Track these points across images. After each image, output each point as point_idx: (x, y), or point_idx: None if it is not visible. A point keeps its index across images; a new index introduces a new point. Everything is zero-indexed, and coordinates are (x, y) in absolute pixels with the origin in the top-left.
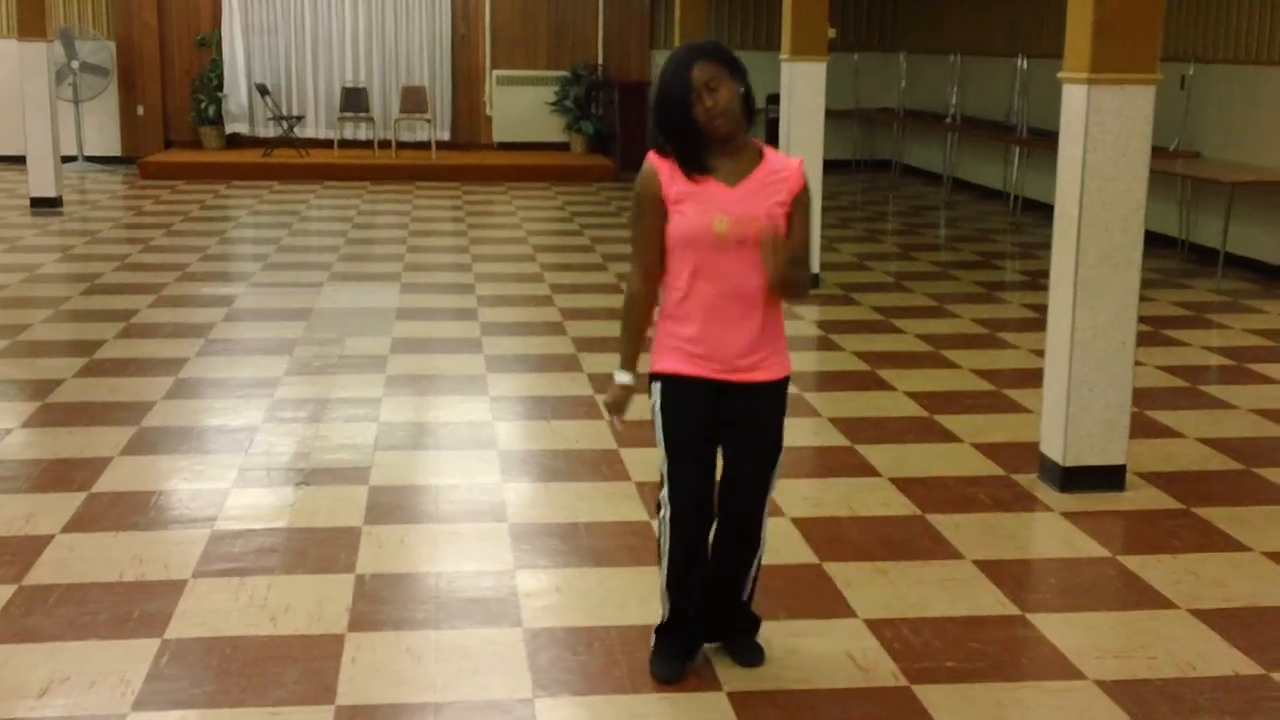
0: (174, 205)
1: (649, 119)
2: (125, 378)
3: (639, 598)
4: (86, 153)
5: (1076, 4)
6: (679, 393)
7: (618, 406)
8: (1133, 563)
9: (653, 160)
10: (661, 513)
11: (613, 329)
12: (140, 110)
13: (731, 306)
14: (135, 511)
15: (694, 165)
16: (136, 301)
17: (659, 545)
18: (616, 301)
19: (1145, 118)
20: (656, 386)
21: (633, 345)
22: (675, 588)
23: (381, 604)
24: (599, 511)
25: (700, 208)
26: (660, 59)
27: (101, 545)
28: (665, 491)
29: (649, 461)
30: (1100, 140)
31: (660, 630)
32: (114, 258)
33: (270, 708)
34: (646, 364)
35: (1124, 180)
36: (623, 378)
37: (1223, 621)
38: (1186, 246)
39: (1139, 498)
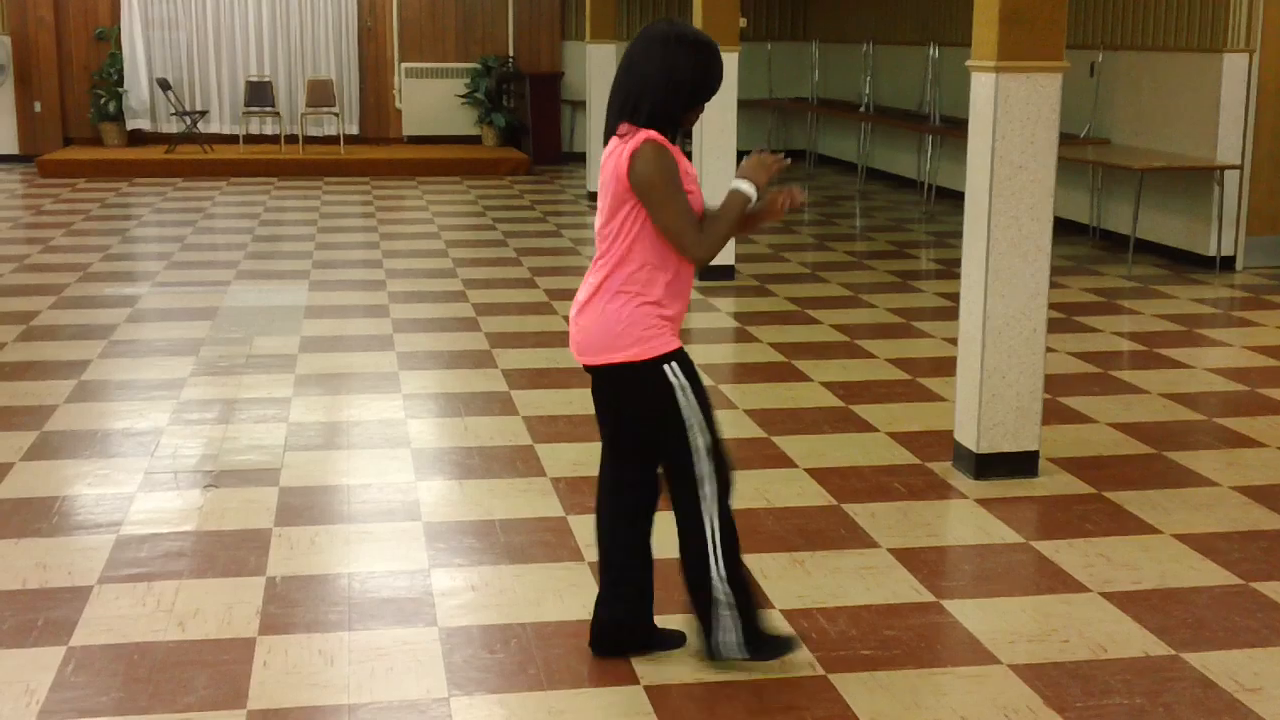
0: (74, 204)
1: (662, 101)
2: (26, 381)
3: (555, 594)
4: None
5: None
6: (692, 365)
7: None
8: (1046, 547)
9: (659, 139)
10: (707, 491)
11: (525, 323)
12: (38, 107)
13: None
14: (38, 518)
15: (676, 138)
16: (37, 303)
17: (708, 528)
18: (530, 296)
19: (1052, 105)
20: (672, 367)
21: (723, 209)
22: (737, 552)
23: (293, 606)
24: (514, 508)
25: (694, 180)
26: (572, 50)
27: (3, 553)
28: (709, 468)
29: (564, 457)
30: (1008, 129)
31: (747, 609)
32: (12, 259)
33: (180, 714)
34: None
35: (1033, 168)
36: (741, 183)
37: (1133, 604)
38: (1097, 233)
39: (1052, 483)
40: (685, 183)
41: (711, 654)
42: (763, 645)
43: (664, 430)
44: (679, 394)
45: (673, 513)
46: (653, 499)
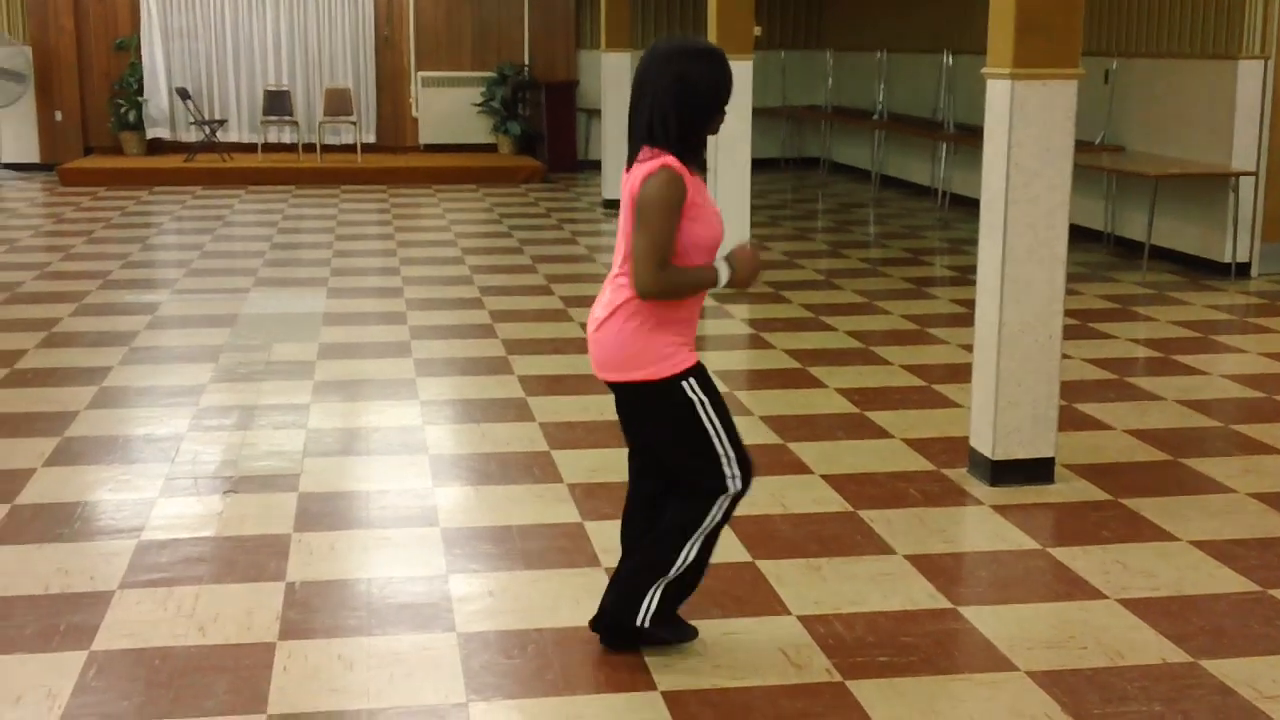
0: (95, 212)
1: (684, 115)
2: (48, 388)
3: (572, 599)
4: (4, 160)
5: (999, 0)
6: (709, 377)
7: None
8: (1062, 554)
9: (676, 166)
10: (727, 494)
11: (541, 330)
12: (59, 116)
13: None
14: (60, 523)
15: (699, 163)
16: (58, 310)
17: (703, 527)
18: (546, 303)
19: (1068, 113)
20: (689, 384)
21: (700, 270)
22: (706, 548)
23: (312, 611)
24: (531, 514)
25: (713, 210)
26: (587, 59)
27: (26, 558)
28: (733, 471)
29: (580, 463)
30: (1024, 136)
31: (679, 590)
32: (34, 266)
33: (201, 718)
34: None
35: (1048, 175)
36: (724, 267)
37: (1151, 610)
38: (1112, 240)
39: (1068, 490)
40: (696, 213)
41: (619, 623)
42: (667, 626)
43: (687, 444)
44: (699, 409)
45: (671, 495)
46: None
